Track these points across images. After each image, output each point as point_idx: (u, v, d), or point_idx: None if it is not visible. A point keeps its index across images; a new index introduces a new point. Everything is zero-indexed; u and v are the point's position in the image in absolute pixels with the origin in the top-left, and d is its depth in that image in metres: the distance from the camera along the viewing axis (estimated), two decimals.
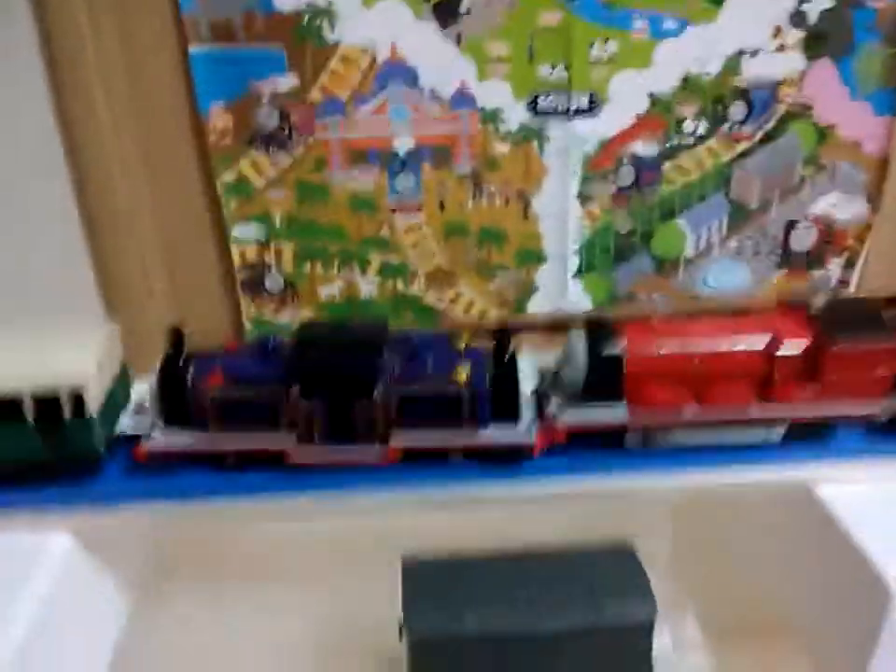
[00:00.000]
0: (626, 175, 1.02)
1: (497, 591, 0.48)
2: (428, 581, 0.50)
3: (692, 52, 0.96)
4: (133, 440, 0.62)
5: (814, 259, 1.10)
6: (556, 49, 0.93)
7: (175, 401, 0.60)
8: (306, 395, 0.58)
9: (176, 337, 0.62)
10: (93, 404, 0.58)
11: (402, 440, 0.60)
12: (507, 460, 0.60)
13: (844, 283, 1.12)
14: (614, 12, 0.93)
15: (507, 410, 0.60)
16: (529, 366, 0.62)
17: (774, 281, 1.11)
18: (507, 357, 0.61)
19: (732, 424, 0.62)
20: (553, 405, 0.62)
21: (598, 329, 0.62)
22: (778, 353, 0.60)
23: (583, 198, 1.03)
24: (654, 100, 0.98)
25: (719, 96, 0.99)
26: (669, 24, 0.94)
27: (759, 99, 1.00)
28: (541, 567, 0.50)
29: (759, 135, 1.02)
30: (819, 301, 0.63)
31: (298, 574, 0.85)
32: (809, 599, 0.61)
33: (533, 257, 1.06)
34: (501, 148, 0.99)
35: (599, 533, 0.58)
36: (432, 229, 1.02)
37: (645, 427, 0.61)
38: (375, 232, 1.02)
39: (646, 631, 0.46)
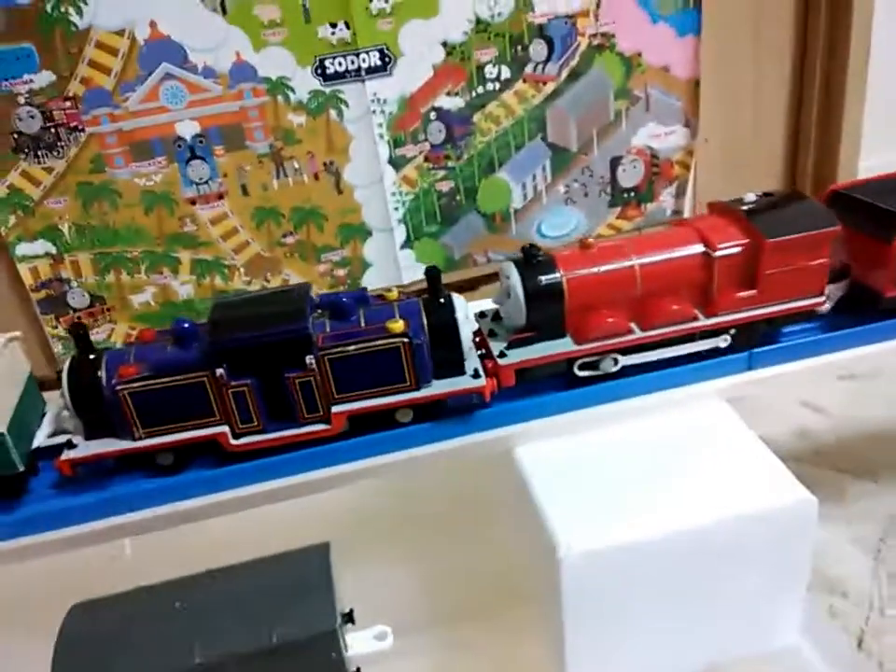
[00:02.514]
0: (436, 132, 0.97)
1: (155, 628, 0.42)
2: (85, 632, 0.44)
3: None
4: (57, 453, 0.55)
5: (644, 192, 1.08)
6: (333, 7, 0.87)
7: (91, 402, 0.54)
8: (234, 374, 0.53)
9: (81, 335, 0.55)
10: None
11: (345, 406, 0.55)
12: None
13: (677, 213, 1.10)
14: None
15: (450, 357, 0.56)
16: (462, 309, 0.56)
17: (609, 220, 1.09)
18: (441, 300, 0.56)
19: (678, 339, 0.59)
20: (499, 346, 0.58)
21: (531, 260, 0.57)
22: (716, 253, 0.56)
23: (396, 162, 0.97)
24: (449, 48, 0.93)
25: (516, 37, 0.94)
26: None
27: (558, 35, 0.96)
28: (212, 589, 0.44)
29: (565, 73, 0.98)
30: (748, 198, 0.60)
31: None
32: (528, 566, 0.58)
33: (356, 231, 1.00)
34: (297, 120, 0.92)
35: None
36: (239, 216, 0.95)
37: (592, 355, 0.58)
38: (178, 229, 0.94)
39: (327, 641, 0.41)
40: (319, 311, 0.56)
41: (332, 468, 0.56)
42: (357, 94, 0.92)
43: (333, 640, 0.42)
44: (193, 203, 0.93)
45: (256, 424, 0.54)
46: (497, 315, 0.62)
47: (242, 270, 0.99)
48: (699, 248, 0.58)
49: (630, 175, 1.06)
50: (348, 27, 0.88)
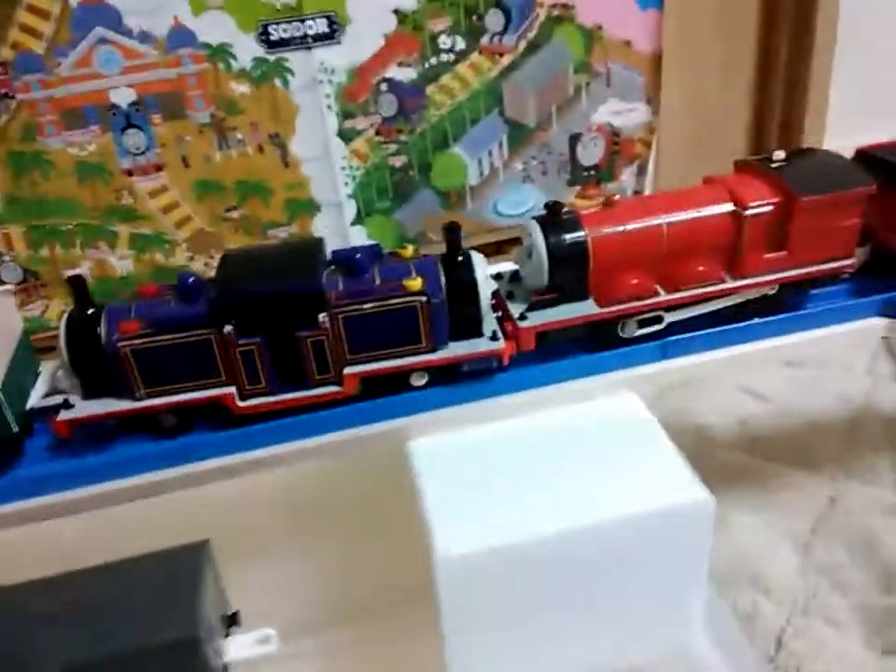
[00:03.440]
0: (388, 104, 0.94)
1: (5, 630, 0.39)
2: None
3: None
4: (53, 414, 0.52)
5: (605, 170, 1.05)
6: None
7: (90, 360, 0.51)
8: (242, 332, 0.50)
9: (79, 287, 0.52)
10: None
11: (358, 367, 0.52)
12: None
13: (638, 192, 1.07)
14: None
15: (469, 318, 0.53)
16: (482, 268, 0.53)
17: (569, 199, 1.06)
18: (460, 258, 0.53)
19: (705, 301, 0.57)
20: (518, 308, 0.56)
21: (554, 218, 0.54)
22: (747, 212, 0.54)
23: (345, 135, 0.94)
24: (401, 16, 0.89)
25: (471, 6, 0.91)
26: None
27: (515, 5, 0.92)
28: (71, 592, 0.42)
29: (522, 45, 0.94)
30: (778, 155, 0.57)
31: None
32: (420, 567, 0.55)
33: (304, 207, 0.96)
34: (240, 89, 0.88)
35: None
36: (180, 189, 0.91)
37: (617, 318, 0.55)
38: (115, 201, 0.90)
39: (188, 649, 0.39)
40: (332, 266, 0.53)
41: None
42: (304, 63, 0.88)
43: (195, 648, 0.39)
44: (130, 174, 0.89)
45: (264, 385, 0.52)
46: (514, 277, 0.59)
47: (184, 245, 0.95)
48: (728, 207, 0.56)
49: (590, 153, 1.03)
50: None
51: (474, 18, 0.91)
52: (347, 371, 0.52)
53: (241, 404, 0.52)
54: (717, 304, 0.58)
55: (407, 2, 0.88)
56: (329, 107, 0.91)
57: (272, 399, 0.52)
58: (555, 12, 0.94)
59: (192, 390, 0.52)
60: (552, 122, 1.00)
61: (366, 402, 0.55)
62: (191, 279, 0.51)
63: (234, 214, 0.94)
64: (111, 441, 0.54)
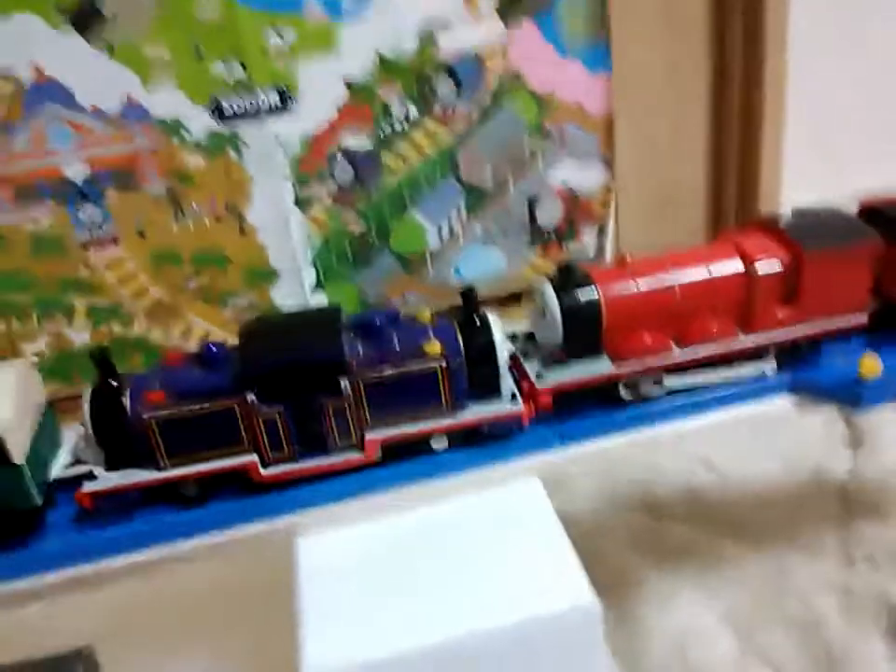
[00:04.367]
0: (343, 172, 0.95)
1: None
2: None
3: (379, 30, 0.89)
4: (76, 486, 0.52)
5: (565, 231, 1.05)
6: (225, 44, 0.85)
7: (115, 431, 0.51)
8: (265, 399, 0.50)
9: (104, 359, 0.53)
10: (17, 450, 0.49)
11: (379, 432, 0.53)
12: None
13: (600, 252, 1.07)
14: None
15: (487, 380, 0.54)
16: (499, 330, 0.54)
17: (530, 260, 1.06)
18: (478, 321, 0.54)
19: (720, 360, 0.57)
20: (534, 368, 0.56)
21: (566, 277, 0.55)
22: (759, 272, 0.54)
23: (303, 203, 0.94)
24: (352, 87, 0.91)
25: (421, 75, 0.92)
26: (347, 4, 0.87)
27: (466, 73, 0.94)
28: None
29: (476, 113, 0.96)
30: (787, 213, 0.58)
31: None
32: None
33: (262, 275, 0.97)
34: (194, 161, 0.89)
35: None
36: (137, 261, 0.92)
37: (632, 376, 0.55)
38: (71, 274, 0.90)
39: None
40: (351, 332, 0.53)
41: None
42: (258, 134, 0.90)
43: None
44: (86, 247, 0.89)
45: (286, 452, 0.52)
46: (529, 336, 0.60)
47: (142, 316, 0.95)
48: (739, 265, 0.57)
49: (549, 215, 1.04)
50: (243, 66, 0.86)
51: (425, 87, 0.93)
52: (369, 436, 0.52)
53: (264, 473, 0.52)
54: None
55: (356, 72, 0.90)
56: (286, 177, 0.92)
57: (293, 466, 0.52)
58: (506, 79, 0.95)
59: (216, 459, 0.52)
60: (508, 186, 1.01)
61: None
62: (215, 348, 0.52)
63: (192, 284, 0.94)
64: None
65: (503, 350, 0.53)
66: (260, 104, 0.88)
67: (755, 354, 0.57)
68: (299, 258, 0.97)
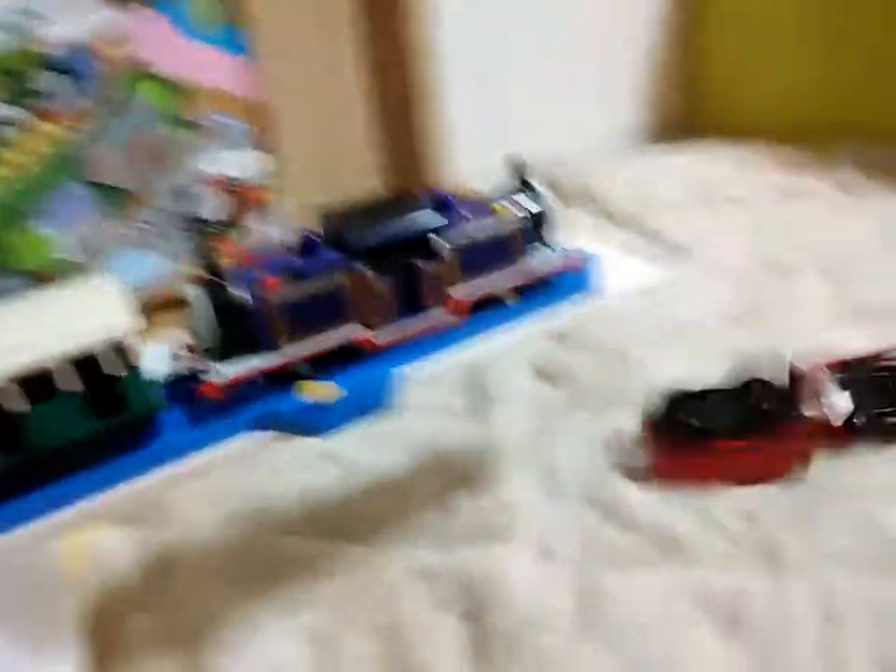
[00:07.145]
0: None
1: None
2: None
3: None
4: (178, 385, 0.53)
5: (229, 222, 0.97)
6: None
7: (236, 319, 0.51)
8: (378, 271, 0.54)
9: (212, 261, 0.52)
10: (135, 356, 0.48)
11: (466, 291, 0.57)
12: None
13: (269, 239, 1.01)
14: None
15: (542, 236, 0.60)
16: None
17: (194, 257, 0.97)
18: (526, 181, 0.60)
19: None
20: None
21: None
22: None
23: None
24: None
25: (14, 72, 0.78)
26: None
27: (77, 66, 0.80)
28: None
29: (100, 107, 0.83)
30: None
31: None
32: None
33: None
34: None
35: None
36: None
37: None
38: None
39: None
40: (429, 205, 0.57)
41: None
42: None
43: None
44: None
45: (391, 319, 0.55)
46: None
47: None
48: None
49: (211, 208, 0.95)
50: None
51: (23, 84, 0.78)
52: (458, 296, 0.56)
53: (378, 343, 0.54)
54: None
55: None
56: None
57: (401, 332, 0.55)
58: (131, 70, 0.83)
59: (332, 336, 0.53)
60: (154, 182, 0.90)
61: None
62: (307, 234, 0.54)
63: None
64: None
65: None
66: None
67: None
68: None
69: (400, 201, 0.57)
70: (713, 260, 1.03)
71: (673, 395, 0.69)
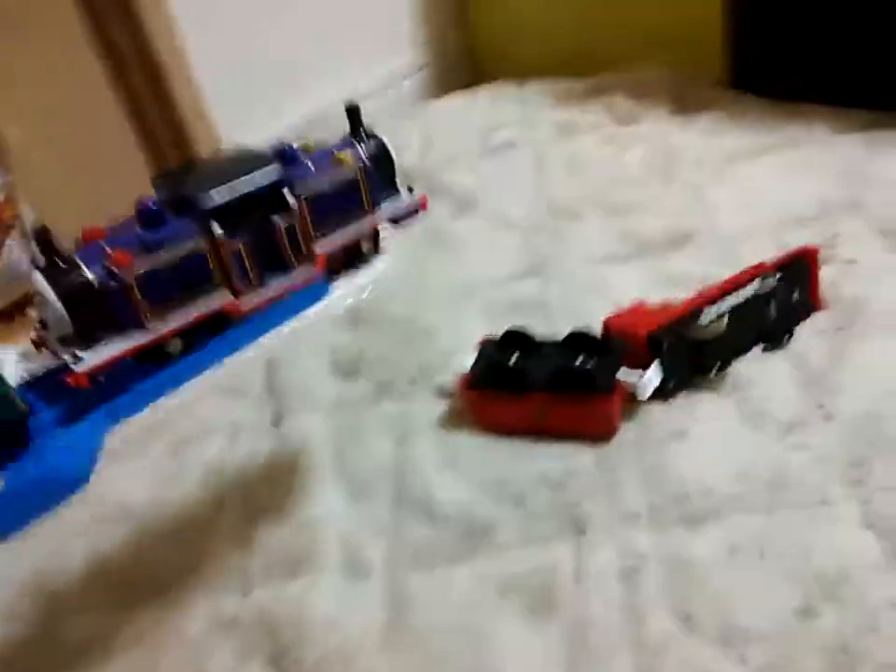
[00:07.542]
0: None
1: None
2: None
3: None
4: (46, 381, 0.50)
5: None
6: None
7: (85, 301, 0.47)
8: (230, 232, 0.51)
9: (46, 240, 0.46)
10: None
11: (324, 245, 0.55)
12: None
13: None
14: None
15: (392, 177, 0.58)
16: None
17: None
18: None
19: None
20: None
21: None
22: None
23: None
24: None
25: None
26: None
27: None
28: None
29: None
30: None
31: None
32: None
33: None
34: None
35: None
36: None
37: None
38: None
39: None
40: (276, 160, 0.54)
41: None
42: None
43: None
44: None
45: (255, 282, 0.53)
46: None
47: None
48: None
49: None
50: None
51: None
52: (319, 250, 0.55)
53: (244, 309, 0.52)
54: None
55: None
56: None
57: (265, 293, 0.53)
58: None
59: (195, 307, 0.51)
60: None
61: None
62: (148, 202, 0.50)
63: None
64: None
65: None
66: None
67: None
68: None
69: (241, 158, 0.55)
70: (498, 211, 1.03)
71: (485, 349, 0.70)
